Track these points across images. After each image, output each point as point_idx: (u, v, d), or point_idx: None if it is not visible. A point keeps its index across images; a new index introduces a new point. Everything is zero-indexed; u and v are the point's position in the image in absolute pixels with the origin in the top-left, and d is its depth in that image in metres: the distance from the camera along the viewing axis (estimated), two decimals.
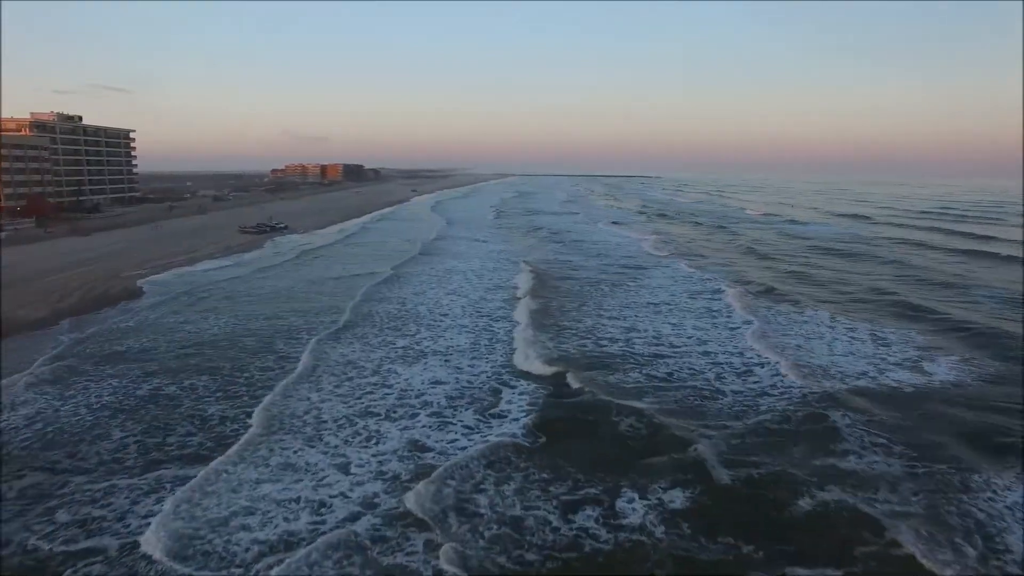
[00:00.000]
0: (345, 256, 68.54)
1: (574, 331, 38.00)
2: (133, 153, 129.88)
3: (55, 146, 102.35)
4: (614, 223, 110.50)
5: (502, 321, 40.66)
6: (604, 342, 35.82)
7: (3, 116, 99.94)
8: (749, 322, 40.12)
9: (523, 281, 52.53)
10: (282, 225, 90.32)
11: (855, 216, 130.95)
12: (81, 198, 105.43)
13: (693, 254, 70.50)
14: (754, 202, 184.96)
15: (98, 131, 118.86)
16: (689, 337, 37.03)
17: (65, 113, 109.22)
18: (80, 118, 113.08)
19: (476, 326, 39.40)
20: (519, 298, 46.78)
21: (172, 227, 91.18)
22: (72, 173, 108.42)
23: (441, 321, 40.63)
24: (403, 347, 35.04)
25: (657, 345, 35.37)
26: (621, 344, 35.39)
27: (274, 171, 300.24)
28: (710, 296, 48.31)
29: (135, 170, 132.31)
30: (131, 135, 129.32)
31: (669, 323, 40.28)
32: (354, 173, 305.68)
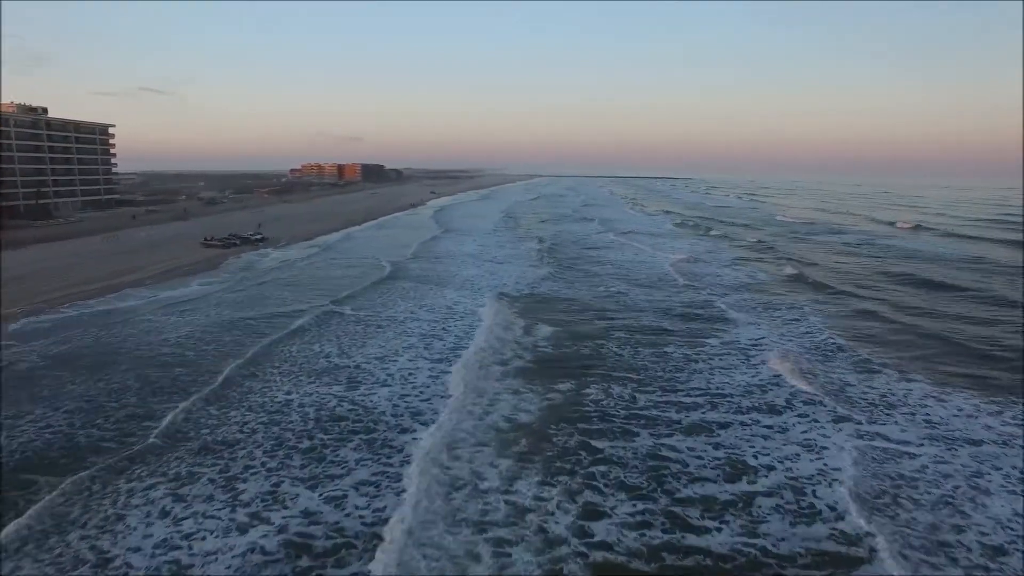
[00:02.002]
0: (300, 280, 51.29)
1: (620, 471, 20.01)
2: (112, 151, 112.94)
3: (8, 141, 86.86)
4: (635, 233, 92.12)
5: (483, 437, 23.03)
6: (691, 513, 17.80)
7: None
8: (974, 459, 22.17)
9: (519, 343, 34.67)
10: (258, 236, 73.80)
11: (915, 227, 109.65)
12: (42, 201, 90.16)
13: (757, 288, 52.05)
14: (804, 208, 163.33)
15: (67, 125, 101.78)
16: (859, 492, 18.97)
17: (28, 104, 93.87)
18: (45, 110, 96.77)
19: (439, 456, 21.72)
20: (512, 377, 29.04)
21: (131, 238, 75.22)
22: (30, 172, 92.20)
23: (397, 431, 23.20)
24: (304, 512, 17.78)
25: (807, 515, 17.57)
26: (738, 525, 17.19)
27: (292, 171, 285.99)
28: (826, 382, 30.21)
29: (114, 169, 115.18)
30: (110, 130, 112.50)
31: (798, 445, 22.37)
32: (374, 173, 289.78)
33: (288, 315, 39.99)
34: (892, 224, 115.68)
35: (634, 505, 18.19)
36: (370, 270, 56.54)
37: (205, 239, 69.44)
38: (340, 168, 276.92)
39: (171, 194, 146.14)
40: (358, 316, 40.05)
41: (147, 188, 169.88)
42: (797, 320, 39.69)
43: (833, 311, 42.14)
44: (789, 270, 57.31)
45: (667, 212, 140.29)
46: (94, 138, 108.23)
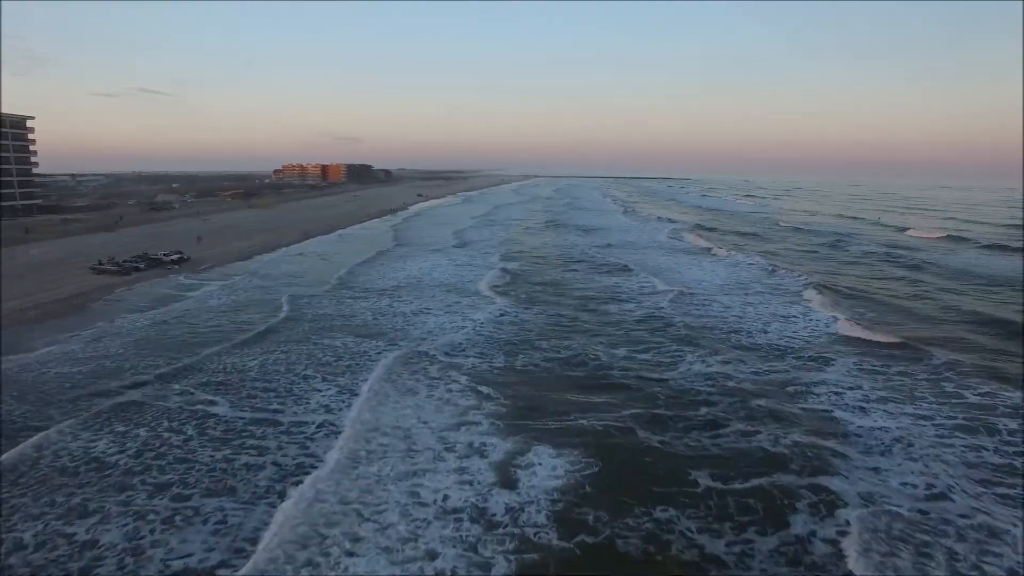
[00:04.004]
0: (177, 332, 33.75)
1: None
2: (32, 148, 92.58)
3: None
4: (627, 248, 75.25)
5: None
6: None
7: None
8: None
9: (487, 517, 17.47)
10: (175, 257, 56.14)
11: (946, 236, 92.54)
12: None
13: (821, 355, 35.36)
14: (812, 213, 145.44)
15: None
16: None
17: None
18: None
19: None
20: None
21: (11, 258, 57.52)
22: None
23: None
24: None
25: None
26: None
27: (276, 172, 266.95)
28: None
29: (34, 170, 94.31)
30: (28, 124, 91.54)
31: None
32: (361, 174, 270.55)
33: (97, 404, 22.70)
34: (905, 231, 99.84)
35: None
36: (262, 314, 39.14)
37: (99, 263, 51.79)
38: (324, 169, 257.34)
39: (123, 198, 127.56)
40: (233, 415, 22.81)
41: (104, 191, 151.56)
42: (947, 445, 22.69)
43: (977, 418, 25.11)
44: (838, 313, 40.14)
45: (661, 219, 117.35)
46: (3, 132, 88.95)
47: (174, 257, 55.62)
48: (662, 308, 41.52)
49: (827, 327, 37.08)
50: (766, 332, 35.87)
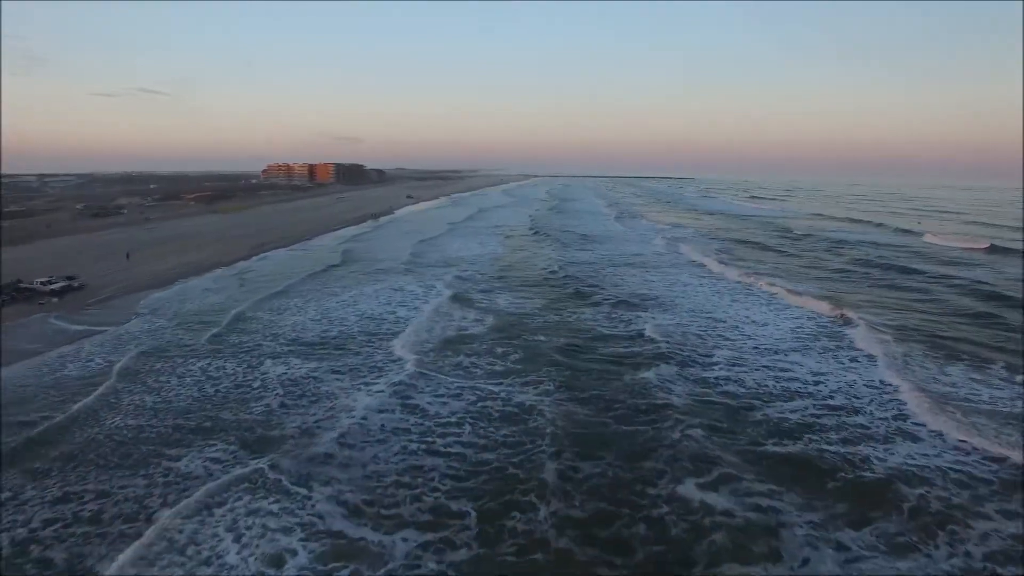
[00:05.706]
0: None
1: None
2: None
3: None
4: (619, 267, 61.11)
5: None
6: None
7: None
8: None
9: None
10: (56, 287, 41.52)
11: (990, 248, 78.54)
12: None
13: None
14: (832, 217, 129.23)
15: None
16: None
17: None
18: None
19: None
20: None
21: None
22: None
23: None
24: None
25: None
26: None
27: (263, 171, 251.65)
28: None
29: None
30: None
31: None
32: (351, 174, 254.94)
33: None
34: (922, 236, 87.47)
35: None
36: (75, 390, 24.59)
37: None
38: (311, 168, 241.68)
39: (78, 201, 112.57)
40: None
41: (69, 193, 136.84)
42: None
43: None
44: (986, 398, 26.42)
45: (667, 226, 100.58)
46: None
47: (58, 285, 41.19)
48: (718, 384, 27.43)
49: (986, 446, 22.73)
50: (898, 454, 21.72)
